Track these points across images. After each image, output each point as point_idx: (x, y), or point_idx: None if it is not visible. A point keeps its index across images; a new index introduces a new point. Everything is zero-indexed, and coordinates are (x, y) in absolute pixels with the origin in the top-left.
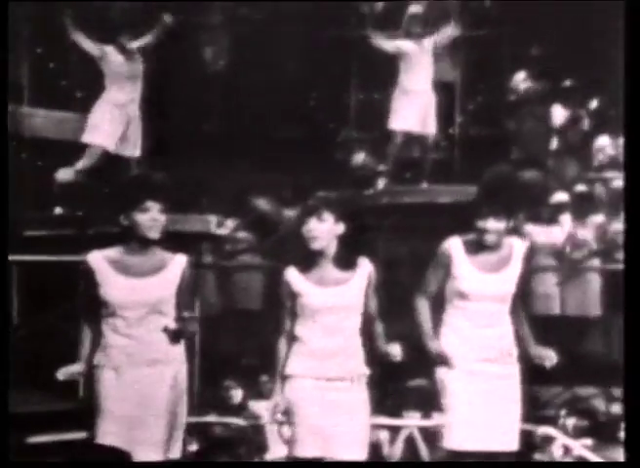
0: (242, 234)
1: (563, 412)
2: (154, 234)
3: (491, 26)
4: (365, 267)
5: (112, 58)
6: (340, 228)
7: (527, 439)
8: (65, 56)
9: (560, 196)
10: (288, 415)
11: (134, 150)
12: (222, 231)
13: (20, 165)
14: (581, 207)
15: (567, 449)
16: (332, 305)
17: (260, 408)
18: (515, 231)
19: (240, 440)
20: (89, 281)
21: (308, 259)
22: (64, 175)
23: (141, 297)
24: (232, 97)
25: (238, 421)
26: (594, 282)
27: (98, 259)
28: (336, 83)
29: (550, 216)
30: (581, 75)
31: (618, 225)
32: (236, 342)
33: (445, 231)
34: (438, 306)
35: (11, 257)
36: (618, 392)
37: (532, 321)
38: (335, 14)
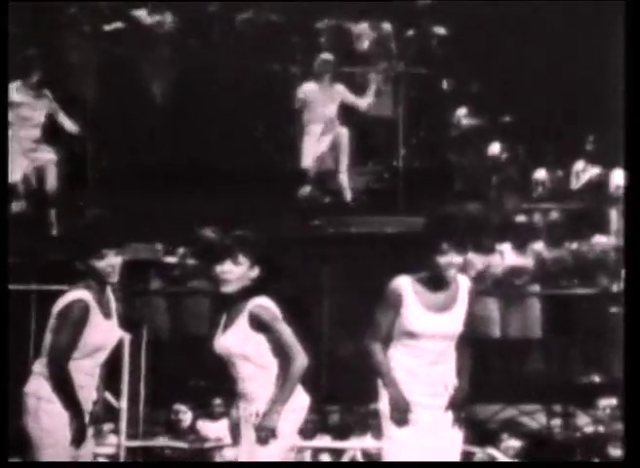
0: (190, 261)
1: (505, 435)
2: (112, 280)
3: (431, 64)
4: None
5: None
6: (255, 272)
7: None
8: None
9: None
10: None
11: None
12: (171, 259)
13: None
14: (521, 236)
15: None
16: None
17: (209, 429)
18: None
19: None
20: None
21: None
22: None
23: None
24: (178, 128)
25: (184, 445)
26: (534, 306)
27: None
28: (280, 114)
29: (490, 246)
30: (520, 111)
31: (555, 252)
32: (185, 366)
33: (391, 261)
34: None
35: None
36: (558, 408)
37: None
38: (276, 47)
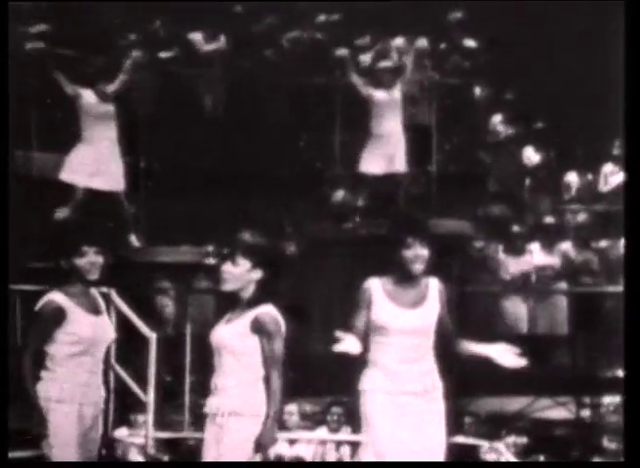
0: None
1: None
2: (93, 276)
3: (464, 75)
4: None
5: (87, 99)
6: (258, 274)
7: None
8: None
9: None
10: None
11: (117, 185)
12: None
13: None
14: (549, 236)
15: None
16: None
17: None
18: (491, 260)
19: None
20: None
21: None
22: (60, 213)
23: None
24: (228, 138)
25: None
26: (561, 303)
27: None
28: (322, 126)
29: (521, 247)
30: (553, 117)
31: (582, 252)
32: None
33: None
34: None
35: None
36: (587, 400)
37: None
38: (319, 63)
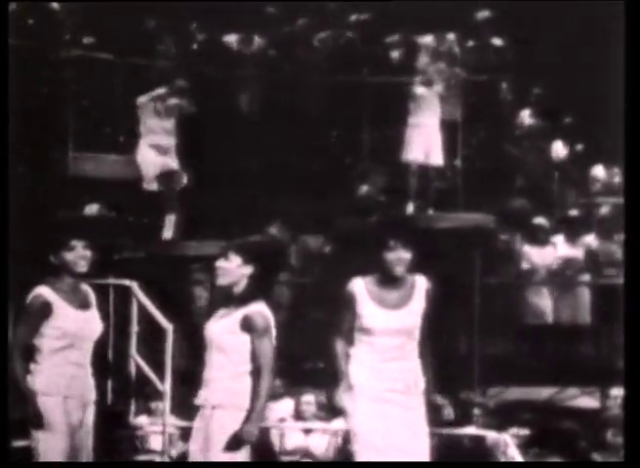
0: None
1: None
2: (81, 269)
3: (492, 71)
4: None
5: (149, 109)
6: (249, 269)
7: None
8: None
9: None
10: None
11: (177, 185)
12: None
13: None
14: (574, 229)
15: None
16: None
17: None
18: (515, 252)
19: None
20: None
21: None
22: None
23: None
24: (263, 135)
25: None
26: (584, 294)
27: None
28: (352, 122)
29: (544, 238)
30: (580, 111)
31: (607, 245)
32: None
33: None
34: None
35: None
36: (615, 391)
37: (526, 330)
38: (350, 62)
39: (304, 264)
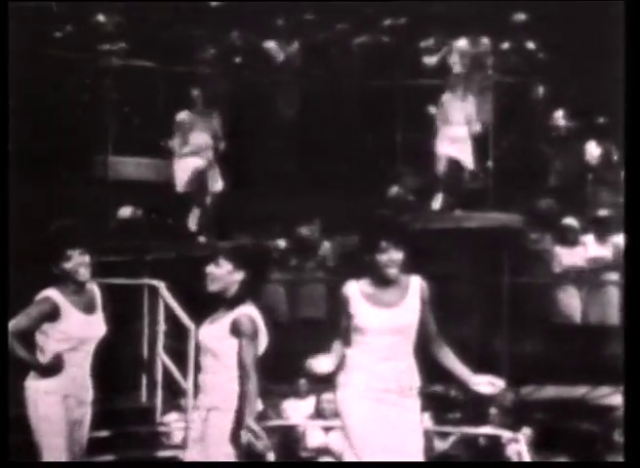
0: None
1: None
2: (83, 276)
3: (525, 74)
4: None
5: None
6: (240, 275)
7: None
8: (149, 111)
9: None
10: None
11: (215, 186)
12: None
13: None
14: (603, 229)
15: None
16: None
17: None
18: (545, 252)
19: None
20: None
21: None
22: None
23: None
24: (301, 139)
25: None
26: (613, 294)
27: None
28: (385, 126)
29: (574, 239)
30: (615, 111)
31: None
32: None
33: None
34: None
35: None
36: None
37: (554, 330)
38: (386, 66)
39: (338, 263)
